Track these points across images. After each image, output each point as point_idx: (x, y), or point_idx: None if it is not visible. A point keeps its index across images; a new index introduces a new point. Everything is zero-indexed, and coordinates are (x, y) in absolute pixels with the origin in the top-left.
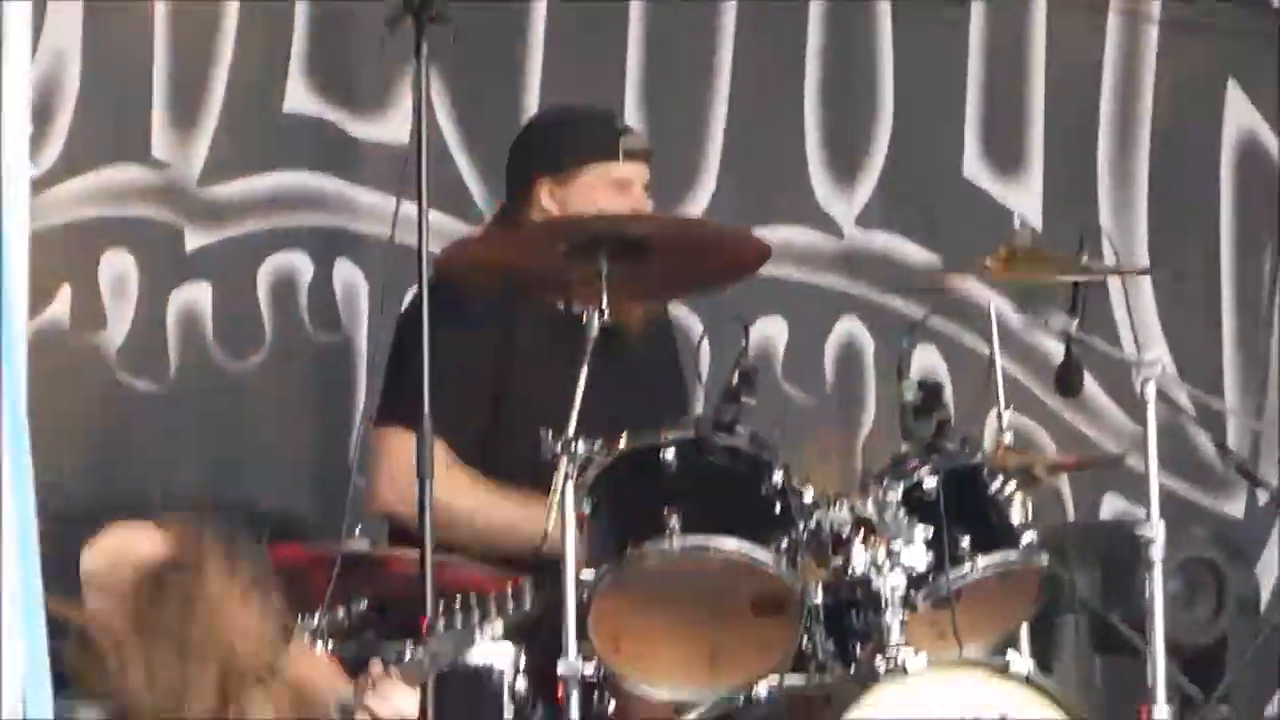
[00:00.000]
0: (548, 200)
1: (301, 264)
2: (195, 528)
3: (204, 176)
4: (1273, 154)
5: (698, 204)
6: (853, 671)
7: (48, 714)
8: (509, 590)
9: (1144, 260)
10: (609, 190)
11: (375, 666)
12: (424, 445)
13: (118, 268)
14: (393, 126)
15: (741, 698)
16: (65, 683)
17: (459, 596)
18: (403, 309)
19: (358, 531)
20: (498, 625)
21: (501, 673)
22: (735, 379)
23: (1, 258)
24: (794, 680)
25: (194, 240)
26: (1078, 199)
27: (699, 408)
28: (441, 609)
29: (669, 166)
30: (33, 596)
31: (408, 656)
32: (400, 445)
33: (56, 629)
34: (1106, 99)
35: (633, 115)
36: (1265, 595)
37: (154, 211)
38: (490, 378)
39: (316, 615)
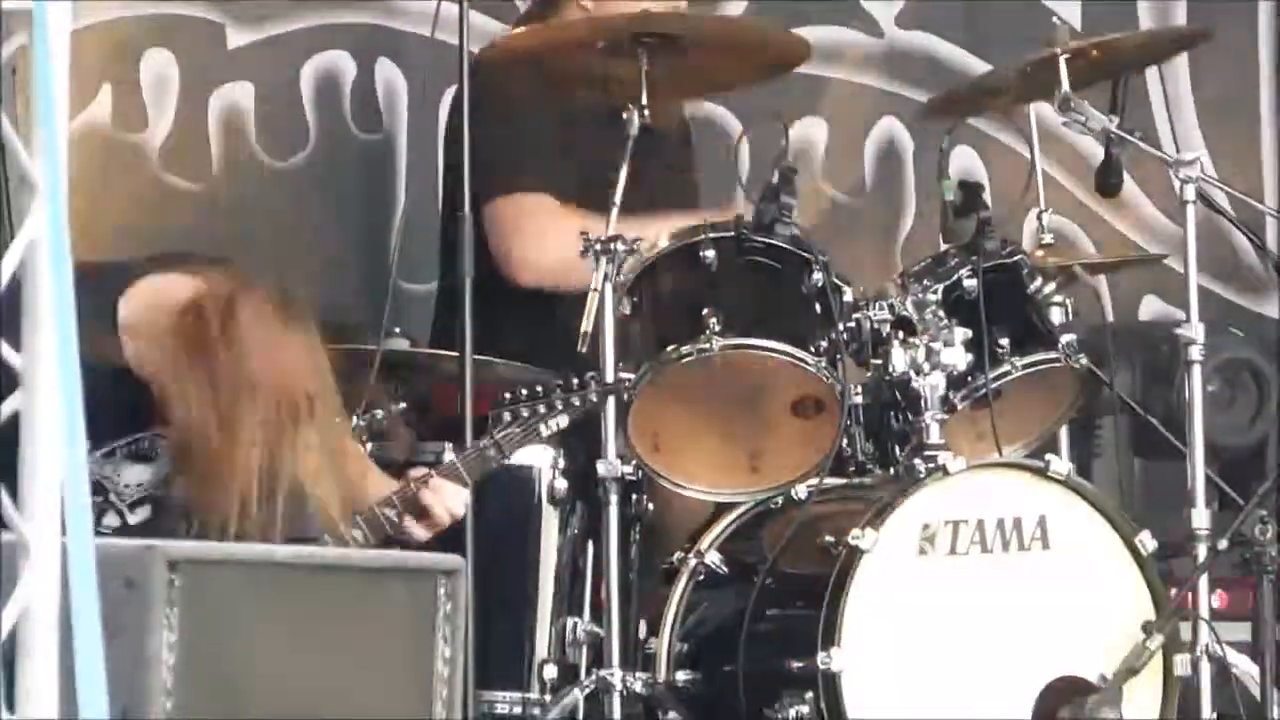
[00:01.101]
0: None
1: (344, 63)
2: (231, 270)
3: None
4: None
5: (737, 3)
6: (893, 473)
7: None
8: (574, 382)
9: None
10: None
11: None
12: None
13: (158, 67)
14: None
15: (780, 498)
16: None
17: (522, 390)
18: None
19: (398, 330)
20: (562, 419)
21: (540, 472)
22: (775, 178)
23: (42, 59)
24: (833, 481)
25: (236, 39)
26: (1117, 8)
27: (738, 207)
28: (505, 400)
29: None
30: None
31: (470, 449)
32: (532, 206)
33: (102, 375)
34: None
35: None
36: None
37: (195, 9)
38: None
39: (355, 415)
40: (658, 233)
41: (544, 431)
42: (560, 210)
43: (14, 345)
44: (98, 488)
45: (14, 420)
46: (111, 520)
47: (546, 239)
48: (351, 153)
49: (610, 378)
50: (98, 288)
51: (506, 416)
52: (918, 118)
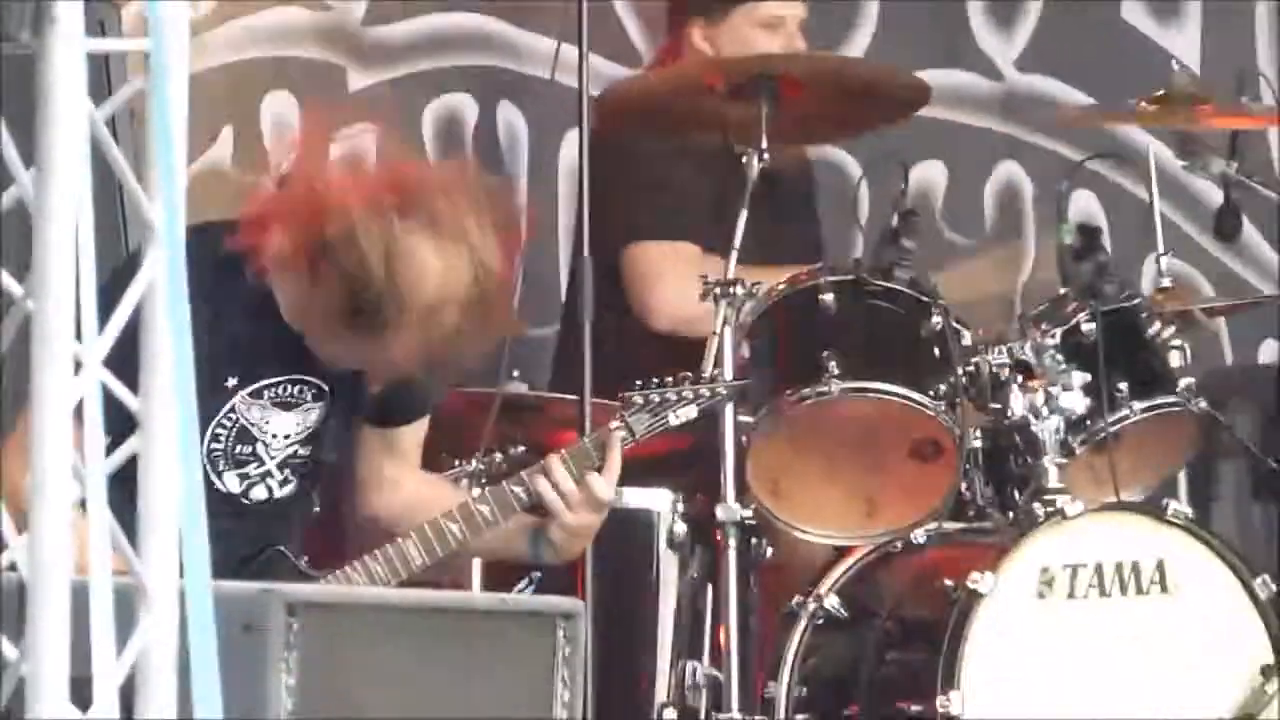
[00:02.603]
0: (700, 42)
1: (466, 105)
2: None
3: (368, 17)
4: None
5: (857, 46)
6: (1011, 517)
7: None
8: (703, 376)
9: None
10: (759, 29)
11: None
12: (584, 280)
13: (280, 109)
14: None
15: (899, 543)
16: None
17: (653, 379)
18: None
19: (515, 374)
20: (690, 410)
21: (660, 516)
22: (895, 221)
23: (161, 106)
24: (951, 525)
25: (357, 81)
26: (1235, 43)
27: (857, 250)
28: (638, 386)
29: (830, 8)
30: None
31: (599, 430)
32: (673, 254)
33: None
34: None
35: None
36: None
37: (317, 52)
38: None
39: (475, 459)
40: (778, 279)
41: (672, 420)
42: (700, 258)
43: (131, 387)
44: (246, 434)
45: (131, 462)
46: (259, 493)
47: (686, 288)
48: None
49: (730, 419)
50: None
51: (638, 400)
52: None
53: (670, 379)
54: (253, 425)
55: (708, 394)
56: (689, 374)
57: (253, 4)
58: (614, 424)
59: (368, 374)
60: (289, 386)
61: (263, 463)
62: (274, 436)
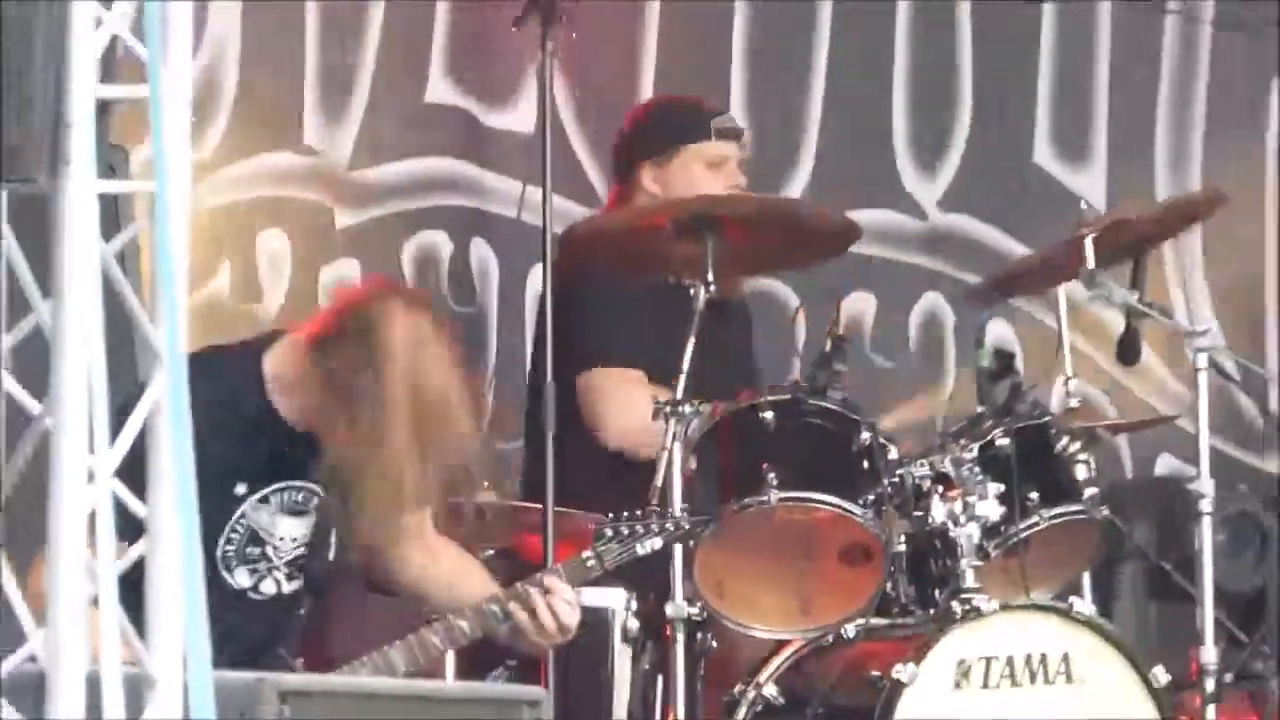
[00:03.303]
0: (650, 183)
1: (441, 242)
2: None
3: (353, 161)
4: None
5: (795, 187)
6: (932, 614)
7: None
8: (670, 512)
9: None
10: (704, 169)
11: (548, 574)
12: (547, 400)
13: (273, 245)
14: (520, 116)
15: (831, 637)
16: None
17: (624, 514)
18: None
19: (485, 485)
20: (656, 541)
21: (614, 613)
22: (828, 347)
23: (163, 241)
24: (878, 621)
25: (343, 219)
26: (1137, 184)
27: (794, 373)
28: (609, 519)
29: (769, 152)
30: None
31: (573, 559)
32: (621, 380)
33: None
34: (1164, 93)
35: (738, 107)
36: None
37: (307, 194)
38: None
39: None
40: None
41: (639, 550)
42: (646, 384)
43: (139, 496)
44: (256, 538)
45: (140, 565)
46: (269, 587)
47: (634, 409)
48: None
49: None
50: (244, 355)
51: (608, 533)
52: (960, 299)
53: (639, 513)
54: (261, 529)
55: (672, 528)
56: (656, 508)
57: (247, 150)
58: (586, 554)
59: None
60: (294, 494)
61: (272, 562)
62: (282, 539)
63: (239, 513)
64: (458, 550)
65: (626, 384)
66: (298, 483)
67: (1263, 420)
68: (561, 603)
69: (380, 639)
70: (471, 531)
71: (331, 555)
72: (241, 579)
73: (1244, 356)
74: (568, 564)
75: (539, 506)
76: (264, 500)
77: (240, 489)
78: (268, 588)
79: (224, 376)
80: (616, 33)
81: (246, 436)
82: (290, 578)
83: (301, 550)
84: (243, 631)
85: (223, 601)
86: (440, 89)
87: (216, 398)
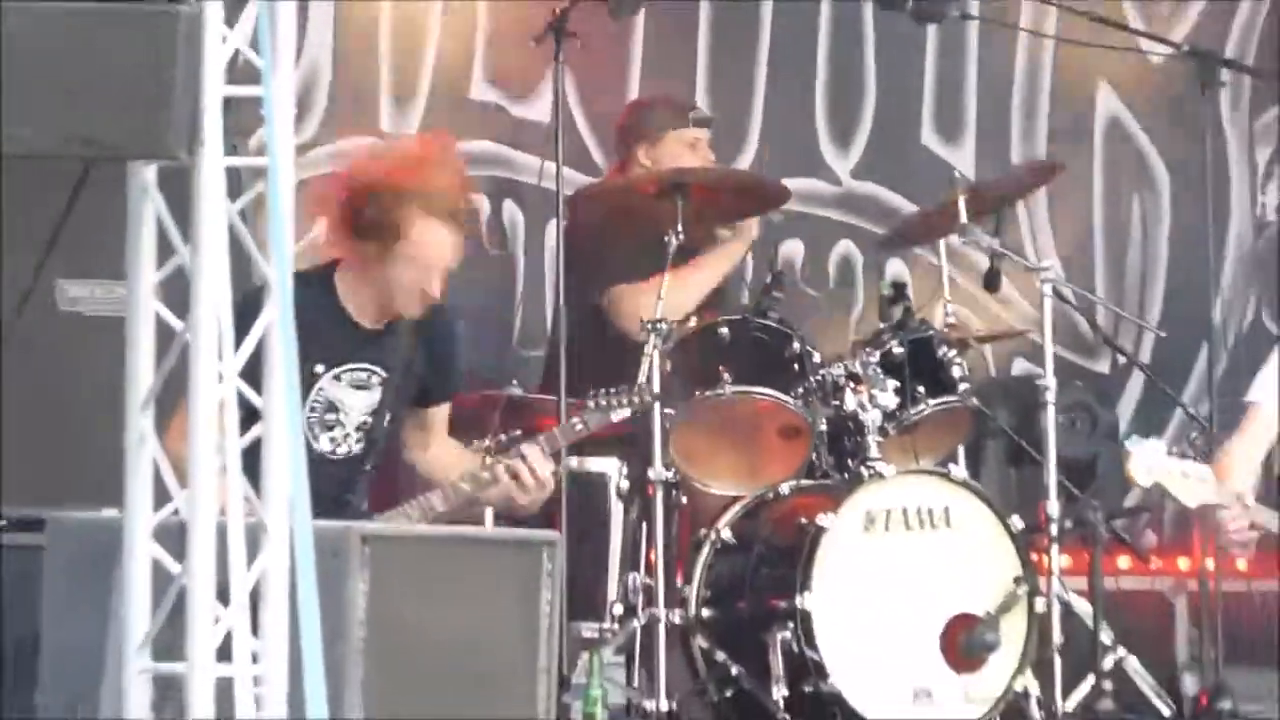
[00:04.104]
0: (643, 159)
1: (482, 203)
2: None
3: None
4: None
5: (744, 160)
6: (846, 477)
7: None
8: (634, 387)
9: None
10: (684, 148)
11: (527, 445)
12: (559, 319)
13: None
14: (540, 108)
15: (771, 494)
16: None
17: (601, 389)
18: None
19: (514, 382)
20: (625, 410)
21: (609, 478)
22: (768, 280)
23: (274, 202)
24: (806, 482)
25: None
26: (995, 157)
27: (744, 298)
28: (590, 394)
29: (725, 134)
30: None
31: (564, 424)
32: (635, 288)
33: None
34: (1018, 85)
35: (702, 99)
36: (1123, 425)
37: None
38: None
39: (487, 439)
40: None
41: (613, 417)
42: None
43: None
44: (332, 407)
45: (256, 444)
46: (343, 450)
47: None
48: (485, 263)
49: (658, 412)
50: (323, 273)
51: (590, 405)
52: (867, 245)
53: (612, 390)
54: (335, 400)
55: (636, 400)
56: (625, 386)
57: (336, 133)
58: (574, 419)
59: (398, 301)
60: (359, 373)
61: (345, 428)
62: (351, 409)
63: (318, 386)
64: (458, 450)
65: (640, 290)
66: (362, 364)
67: (1092, 333)
68: (538, 464)
69: (416, 492)
70: (503, 416)
71: (386, 423)
72: (324, 444)
73: (1078, 286)
74: (562, 427)
75: (553, 399)
76: (336, 378)
77: (319, 368)
78: (342, 450)
79: (310, 289)
80: (611, 43)
81: (324, 330)
82: (358, 441)
83: (366, 418)
84: (325, 486)
85: (310, 464)
86: (480, 88)
87: (303, 303)
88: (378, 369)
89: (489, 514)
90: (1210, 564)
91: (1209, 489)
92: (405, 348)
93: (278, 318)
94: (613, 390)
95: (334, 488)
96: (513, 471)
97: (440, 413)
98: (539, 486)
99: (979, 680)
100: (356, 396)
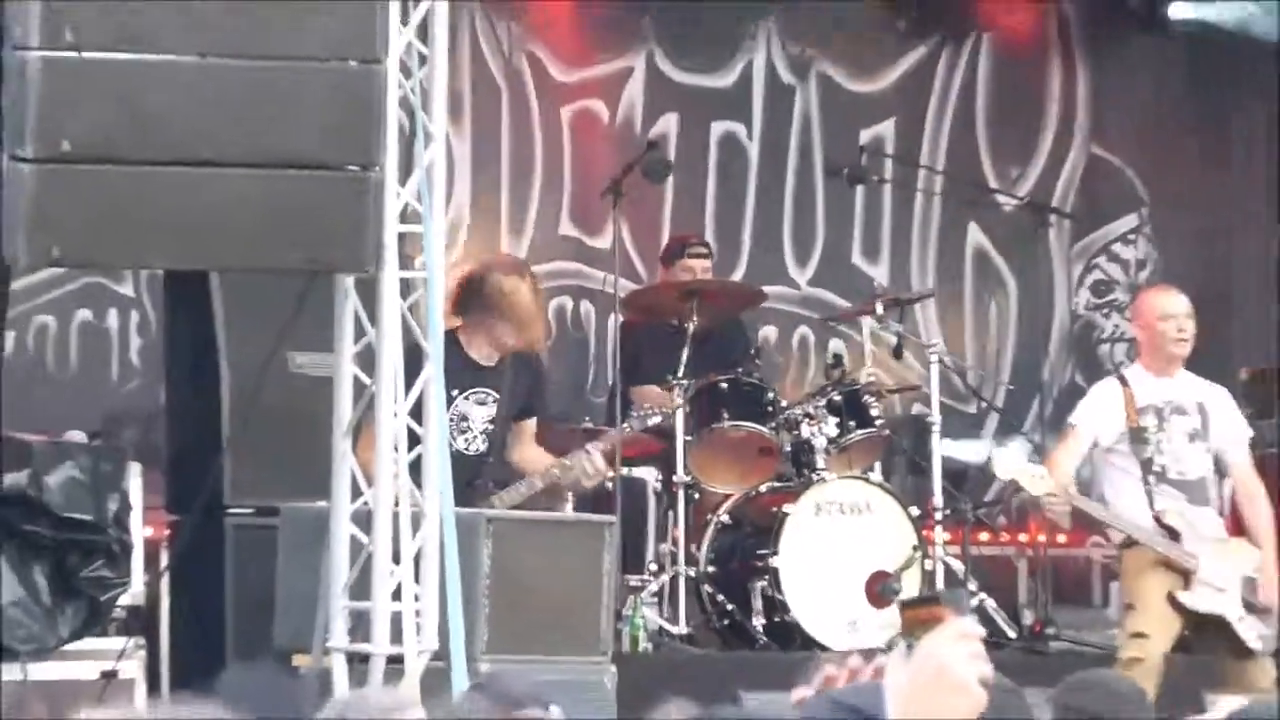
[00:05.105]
0: (665, 275)
1: (568, 304)
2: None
3: (527, 259)
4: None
5: (738, 272)
6: (802, 481)
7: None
8: (659, 409)
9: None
10: (688, 269)
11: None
12: (615, 400)
13: None
14: (604, 239)
15: (754, 491)
16: None
17: (633, 411)
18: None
19: (586, 418)
20: (656, 418)
21: (648, 482)
22: (754, 352)
23: (432, 301)
24: (777, 484)
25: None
26: (901, 271)
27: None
28: (631, 414)
29: (724, 254)
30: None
31: (620, 427)
32: (641, 390)
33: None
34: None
35: (710, 230)
36: (985, 447)
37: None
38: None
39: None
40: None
41: (649, 423)
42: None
43: (419, 423)
44: (464, 418)
45: (418, 460)
46: (472, 450)
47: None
48: (571, 340)
49: (680, 439)
50: (453, 335)
51: (632, 414)
52: (817, 329)
53: (647, 408)
54: (466, 414)
55: (660, 415)
56: (652, 408)
57: (472, 251)
58: (624, 424)
59: (496, 348)
60: (480, 394)
61: (473, 433)
62: (476, 419)
63: (454, 404)
64: (541, 451)
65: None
66: (482, 389)
67: (963, 386)
68: (598, 459)
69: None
70: (582, 437)
71: (498, 430)
72: (459, 444)
73: (954, 356)
74: (610, 435)
75: (611, 428)
76: (466, 398)
77: (455, 392)
78: (472, 449)
79: (448, 344)
80: (651, 196)
81: (456, 369)
82: (483, 443)
83: (488, 425)
84: (460, 473)
85: (451, 459)
86: (566, 225)
87: (446, 354)
88: (492, 391)
89: (569, 504)
90: (1042, 536)
91: (1045, 483)
92: (510, 379)
93: (433, 375)
94: (645, 410)
95: (466, 473)
96: (583, 463)
97: (530, 424)
98: (598, 474)
99: (889, 614)
100: (479, 410)
